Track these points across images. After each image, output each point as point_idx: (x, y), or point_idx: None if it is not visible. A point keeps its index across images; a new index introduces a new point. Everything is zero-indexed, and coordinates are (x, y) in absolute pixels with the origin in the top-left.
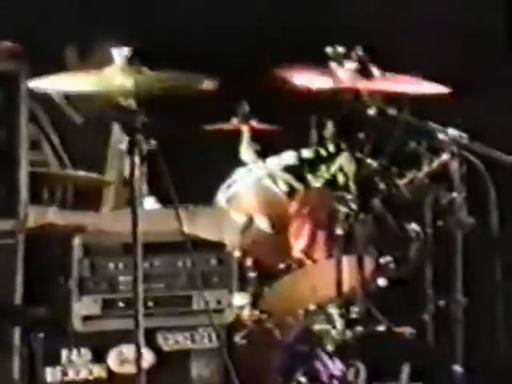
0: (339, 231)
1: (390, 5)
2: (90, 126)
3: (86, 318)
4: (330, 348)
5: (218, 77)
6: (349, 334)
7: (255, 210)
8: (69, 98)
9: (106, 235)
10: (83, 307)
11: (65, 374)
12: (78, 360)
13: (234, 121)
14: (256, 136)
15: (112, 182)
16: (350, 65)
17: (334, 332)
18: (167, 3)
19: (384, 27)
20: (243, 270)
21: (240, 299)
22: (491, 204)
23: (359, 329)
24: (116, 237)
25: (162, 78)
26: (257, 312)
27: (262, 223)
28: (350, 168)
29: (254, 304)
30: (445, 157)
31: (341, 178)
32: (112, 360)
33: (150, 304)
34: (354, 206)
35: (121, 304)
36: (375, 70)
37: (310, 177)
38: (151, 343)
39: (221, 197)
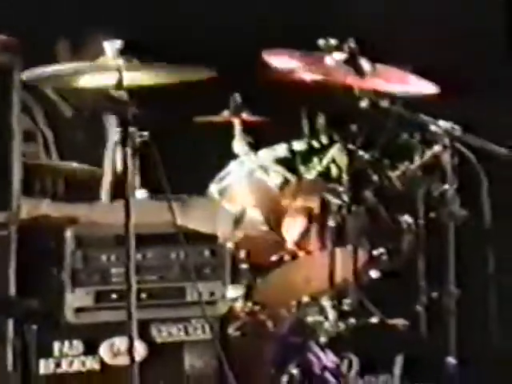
0: (332, 223)
1: (390, 5)
2: (81, 118)
3: (79, 310)
4: (322, 340)
5: (210, 69)
6: (342, 325)
7: (248, 202)
8: (59, 90)
9: (99, 227)
10: (76, 299)
11: (58, 365)
12: (71, 352)
13: (226, 113)
14: (248, 128)
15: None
16: (341, 56)
17: (326, 324)
18: (167, 3)
19: (384, 27)
20: (236, 262)
21: (233, 291)
22: (483, 196)
23: (352, 321)
24: (109, 228)
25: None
26: (250, 304)
27: (255, 215)
28: (343, 160)
29: (247, 296)
30: (437, 149)
31: (333, 170)
32: (105, 352)
33: (143, 296)
34: (346, 198)
35: (114, 296)
36: (365, 64)
37: (302, 169)
38: (144, 335)
39: (213, 189)
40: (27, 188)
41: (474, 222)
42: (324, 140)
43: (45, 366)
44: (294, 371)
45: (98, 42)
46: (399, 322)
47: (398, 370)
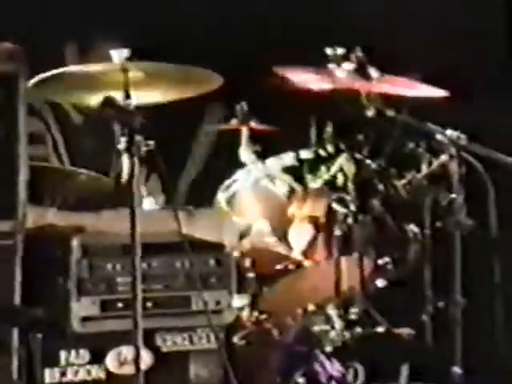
0: (338, 232)
1: (390, 5)
2: (89, 125)
3: (85, 319)
4: (328, 349)
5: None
6: (348, 334)
7: (254, 211)
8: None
9: (105, 236)
10: (82, 308)
11: (63, 374)
12: (77, 361)
13: (234, 121)
14: (255, 137)
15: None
16: (349, 66)
17: (332, 333)
18: (167, 3)
19: (384, 27)
20: (242, 271)
21: (239, 300)
22: (490, 205)
23: (358, 330)
24: (115, 238)
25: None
26: (256, 313)
27: (263, 227)
28: (350, 169)
29: (253, 305)
30: (444, 158)
31: (340, 179)
32: (111, 361)
33: (149, 305)
34: (352, 207)
35: (119, 305)
36: (374, 72)
37: (309, 178)
38: (150, 344)
39: (220, 197)
40: (34, 193)
41: (480, 231)
42: (331, 149)
43: (50, 375)
44: (300, 380)
45: (104, 46)
46: (405, 331)
47: (403, 379)
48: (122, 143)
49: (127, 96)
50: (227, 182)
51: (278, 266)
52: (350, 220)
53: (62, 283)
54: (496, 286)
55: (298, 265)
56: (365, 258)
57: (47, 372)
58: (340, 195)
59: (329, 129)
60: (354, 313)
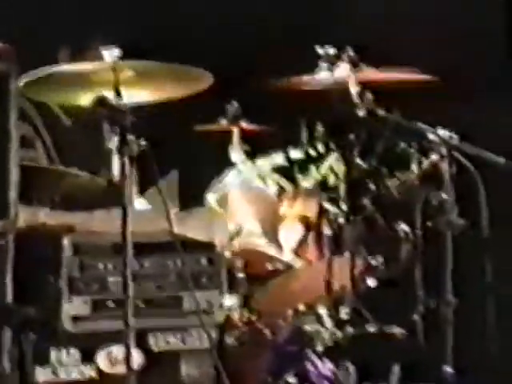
0: (329, 231)
1: (390, 5)
2: (79, 126)
3: (76, 319)
4: (320, 348)
5: (208, 76)
6: (339, 334)
7: (245, 211)
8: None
9: (96, 235)
10: (73, 307)
11: (55, 374)
12: (68, 360)
13: (224, 121)
14: (245, 136)
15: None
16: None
17: (324, 332)
18: (167, 3)
19: (384, 27)
20: (233, 271)
21: (230, 300)
22: (481, 205)
23: (349, 329)
24: (106, 237)
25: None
26: (247, 313)
27: (254, 228)
28: (340, 168)
29: (245, 304)
30: (435, 157)
31: (331, 179)
32: (102, 360)
33: (140, 305)
34: (343, 207)
35: (110, 304)
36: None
37: (299, 177)
38: (141, 344)
39: (210, 197)
40: (25, 193)
41: (471, 231)
42: (321, 148)
43: (42, 374)
44: (292, 380)
45: (98, 47)
46: (396, 330)
47: (395, 378)
48: (113, 143)
49: (118, 94)
50: (217, 182)
51: (269, 267)
52: (341, 220)
53: (54, 282)
54: (487, 285)
55: (289, 265)
56: (356, 258)
57: (39, 371)
58: (331, 195)
59: (319, 128)
60: (345, 312)
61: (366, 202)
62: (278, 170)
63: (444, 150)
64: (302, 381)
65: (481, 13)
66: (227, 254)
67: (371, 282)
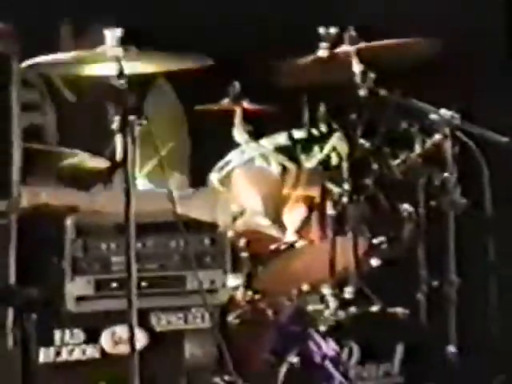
0: (332, 212)
1: (390, 5)
2: (83, 104)
3: (79, 299)
4: (323, 328)
5: (210, 57)
6: (342, 314)
7: (248, 191)
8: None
9: (99, 215)
10: (76, 288)
11: (58, 354)
12: (72, 340)
13: (226, 101)
14: (248, 116)
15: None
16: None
17: (327, 312)
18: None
19: (384, 27)
20: (236, 251)
21: (233, 279)
22: (484, 184)
23: (352, 309)
24: (109, 217)
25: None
26: (250, 292)
27: (257, 208)
28: (343, 148)
29: (248, 284)
30: (437, 137)
31: (334, 159)
32: (105, 340)
33: (143, 284)
34: (346, 187)
35: (114, 284)
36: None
37: (302, 157)
38: (144, 324)
39: (214, 177)
40: (28, 173)
41: (474, 210)
42: (324, 128)
43: (45, 355)
44: (295, 359)
45: (99, 29)
46: (399, 310)
47: (398, 358)
48: (115, 122)
49: (121, 73)
50: (221, 162)
51: (272, 247)
52: (344, 199)
53: (57, 263)
54: (490, 265)
55: (293, 245)
56: (359, 238)
57: (42, 351)
58: (334, 174)
59: (322, 108)
60: (348, 292)
61: (369, 181)
62: (281, 150)
63: (447, 130)
64: (304, 360)
65: (481, 13)
66: (230, 233)
67: (374, 262)
